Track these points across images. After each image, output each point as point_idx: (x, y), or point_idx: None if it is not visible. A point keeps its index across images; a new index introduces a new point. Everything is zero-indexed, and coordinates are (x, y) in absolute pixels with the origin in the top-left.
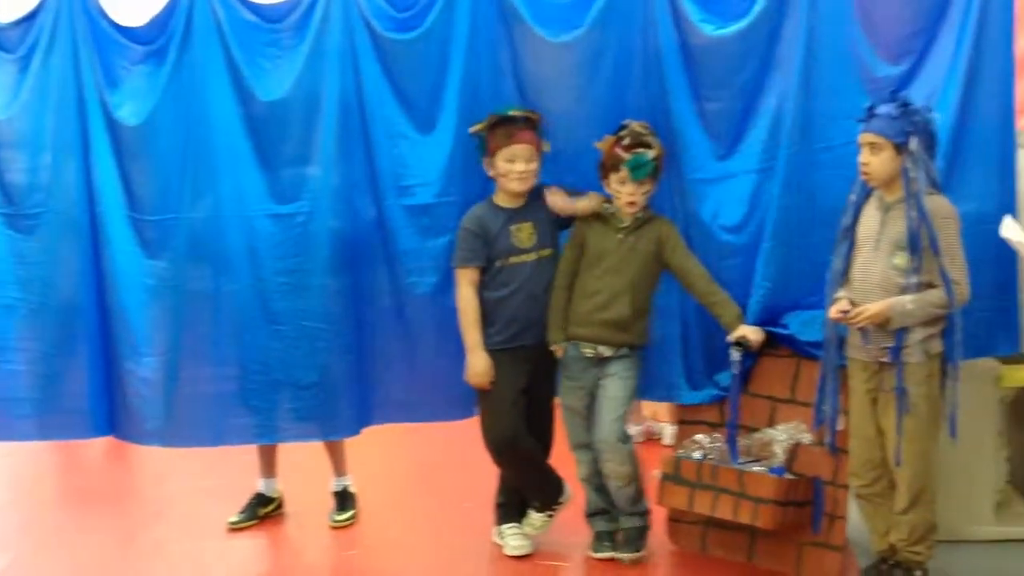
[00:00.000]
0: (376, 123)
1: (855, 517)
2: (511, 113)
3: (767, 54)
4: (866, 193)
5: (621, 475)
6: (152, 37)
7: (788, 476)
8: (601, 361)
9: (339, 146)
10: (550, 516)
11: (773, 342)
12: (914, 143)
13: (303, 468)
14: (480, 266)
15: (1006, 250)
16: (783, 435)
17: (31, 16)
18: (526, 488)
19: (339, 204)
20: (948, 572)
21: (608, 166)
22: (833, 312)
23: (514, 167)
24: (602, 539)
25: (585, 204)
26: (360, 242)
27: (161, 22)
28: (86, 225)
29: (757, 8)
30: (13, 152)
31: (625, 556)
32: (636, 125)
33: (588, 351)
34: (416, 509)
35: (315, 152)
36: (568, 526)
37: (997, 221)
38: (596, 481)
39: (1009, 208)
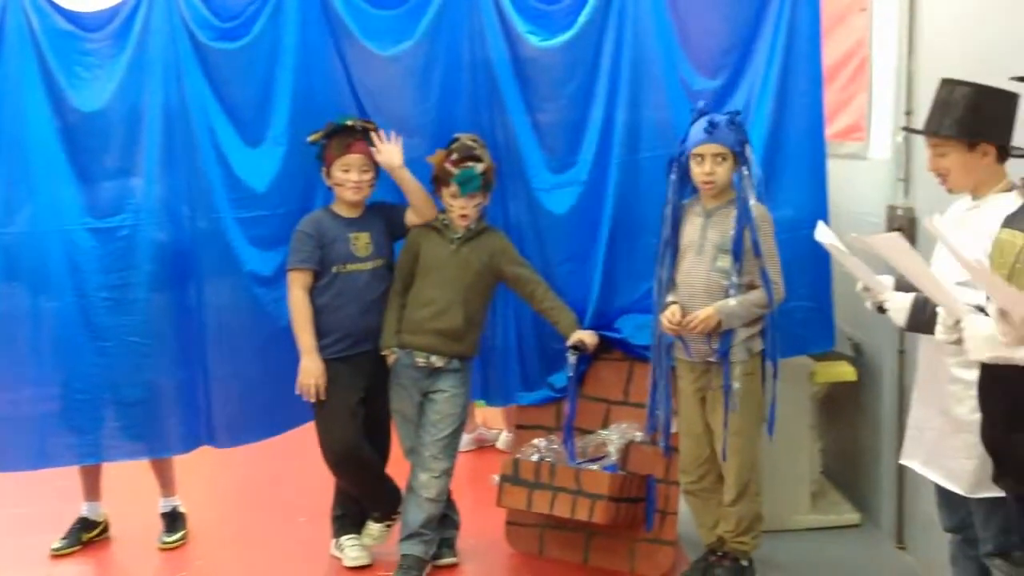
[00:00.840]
0: (202, 134)
1: (685, 513)
2: (347, 123)
3: (593, 65)
4: (683, 201)
5: (432, 488)
6: None
7: (622, 473)
8: (433, 372)
9: (163, 158)
10: (388, 526)
11: (606, 346)
12: (748, 151)
13: (128, 490)
14: (313, 269)
15: (820, 253)
16: (616, 435)
17: None
18: (365, 498)
19: (164, 217)
20: (770, 560)
21: (440, 180)
22: (665, 323)
23: (349, 176)
24: (440, 545)
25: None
26: (188, 255)
27: None
28: None
29: (581, 20)
30: None
31: (447, 560)
32: (466, 138)
33: (420, 360)
34: (249, 526)
35: (138, 164)
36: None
37: (811, 226)
38: None
39: (822, 213)
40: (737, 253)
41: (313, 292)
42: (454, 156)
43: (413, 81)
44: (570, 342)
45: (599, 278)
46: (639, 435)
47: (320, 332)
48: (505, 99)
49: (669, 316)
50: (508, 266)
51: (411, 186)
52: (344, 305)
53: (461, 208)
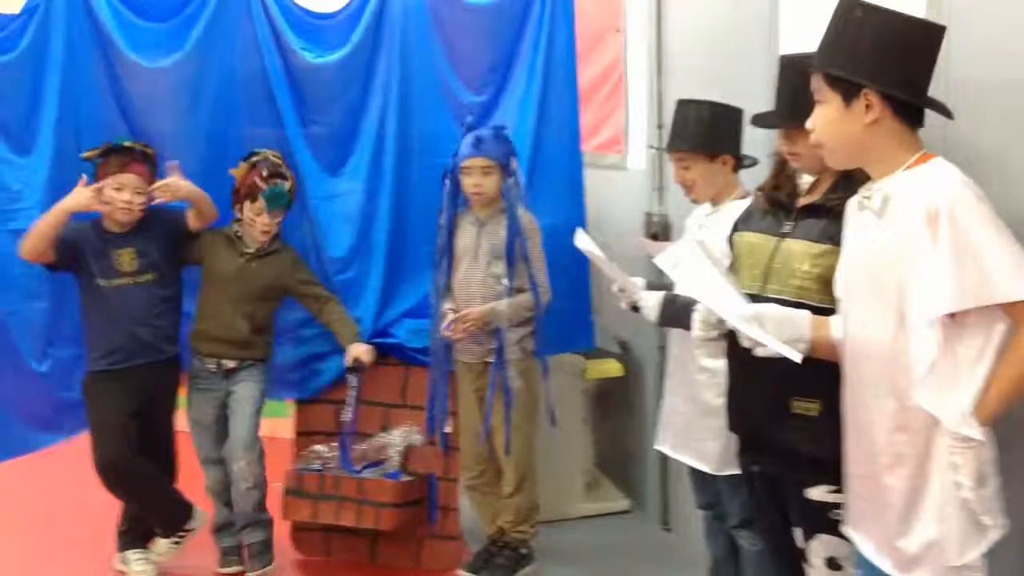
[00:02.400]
0: None
1: (466, 508)
2: (127, 144)
3: (367, 80)
4: (457, 211)
5: (250, 476)
6: None
7: (404, 478)
8: (228, 372)
9: None
10: (177, 542)
11: (382, 352)
12: (514, 163)
13: None
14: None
15: (580, 258)
16: (397, 438)
17: None
18: (147, 513)
19: None
20: (548, 548)
21: (244, 194)
22: (444, 331)
23: (121, 196)
24: (228, 554)
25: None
26: None
27: None
28: None
29: (355, 38)
30: None
31: (259, 571)
32: (270, 155)
33: (212, 365)
34: (29, 545)
35: None
36: (197, 546)
37: (571, 233)
38: (225, 495)
39: (580, 221)
40: (509, 259)
41: (81, 305)
42: (263, 172)
43: (184, 94)
44: (347, 361)
45: (378, 285)
46: (418, 437)
47: (90, 346)
48: (281, 112)
49: (444, 326)
50: (296, 285)
51: (194, 193)
52: (112, 319)
53: (264, 225)
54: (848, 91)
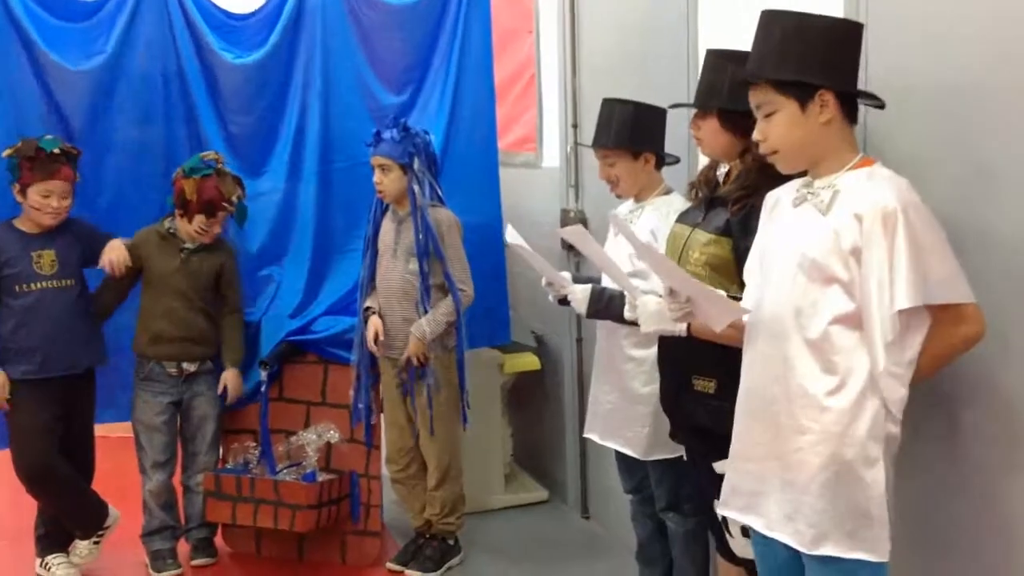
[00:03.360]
0: None
1: (393, 502)
2: (52, 151)
3: (285, 82)
4: (383, 207)
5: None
6: None
7: (321, 478)
8: (188, 377)
9: None
10: (96, 543)
11: (301, 350)
12: (417, 163)
13: None
14: None
15: (495, 254)
16: (315, 436)
17: None
18: (66, 517)
19: None
20: (472, 538)
21: (196, 206)
22: (370, 332)
23: (49, 202)
24: (165, 557)
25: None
26: None
27: None
28: None
29: (273, 39)
30: None
31: (204, 561)
32: (224, 169)
33: (172, 369)
34: None
35: None
36: (121, 548)
37: (487, 230)
38: (166, 497)
39: (497, 218)
40: (424, 257)
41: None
42: (228, 189)
43: (101, 96)
44: (219, 389)
45: (298, 283)
46: (336, 435)
47: (11, 353)
48: (199, 113)
49: (372, 342)
50: (227, 289)
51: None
52: (31, 325)
53: (214, 232)
54: (802, 94)
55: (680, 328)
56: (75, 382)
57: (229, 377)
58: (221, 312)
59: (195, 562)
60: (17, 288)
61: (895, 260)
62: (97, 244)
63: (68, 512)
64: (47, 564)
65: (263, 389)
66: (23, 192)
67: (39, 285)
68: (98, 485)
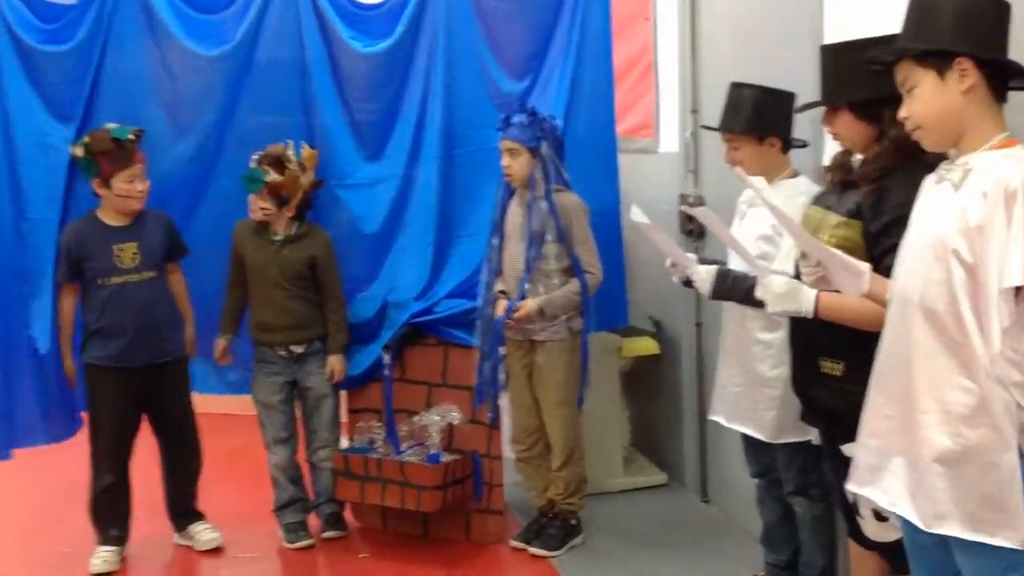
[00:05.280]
0: (25, 134)
1: (511, 483)
2: (130, 137)
3: (408, 69)
4: (509, 192)
5: (330, 459)
6: None
7: (445, 459)
8: (299, 358)
9: None
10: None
11: (422, 332)
12: (544, 147)
13: None
14: (75, 283)
15: (613, 238)
16: (437, 417)
17: None
18: (94, 501)
19: None
20: (592, 520)
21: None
22: (499, 311)
23: (135, 187)
24: (296, 529)
25: None
26: (11, 254)
27: None
28: None
29: (400, 29)
30: None
31: (334, 534)
32: (290, 150)
33: (281, 352)
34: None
35: None
36: (254, 521)
37: (605, 215)
38: (292, 472)
39: (615, 203)
40: (538, 241)
41: (85, 304)
42: (264, 160)
43: (231, 84)
44: (327, 373)
45: (419, 267)
46: (458, 416)
47: (94, 341)
48: (322, 101)
49: (499, 311)
50: (323, 274)
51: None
52: (112, 316)
53: (250, 202)
54: (940, 63)
55: (807, 309)
56: (159, 370)
57: (333, 362)
58: (324, 299)
59: (325, 535)
60: (99, 281)
61: (1013, 236)
62: (176, 240)
63: (98, 498)
64: (188, 533)
65: (386, 372)
66: (106, 184)
67: (120, 279)
68: (229, 461)
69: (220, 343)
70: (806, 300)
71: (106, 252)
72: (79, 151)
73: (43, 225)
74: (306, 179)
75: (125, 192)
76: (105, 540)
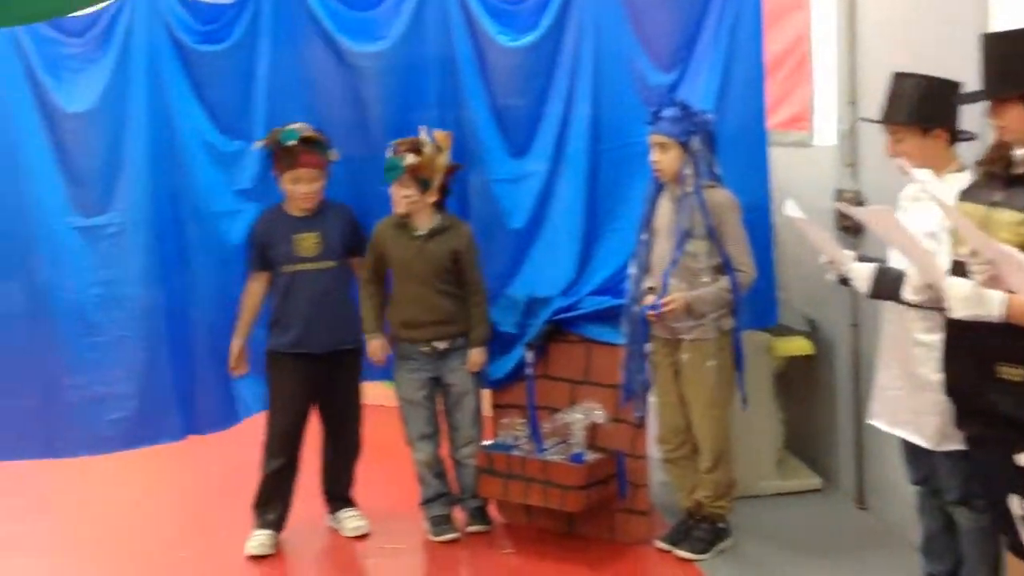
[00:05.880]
0: (186, 133)
1: (657, 483)
2: (290, 142)
3: (554, 63)
4: (659, 187)
5: (475, 458)
6: None
7: (589, 458)
8: (442, 354)
9: (148, 156)
10: (265, 531)
11: (563, 330)
12: (695, 142)
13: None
14: (261, 271)
15: (763, 235)
16: (581, 415)
17: None
18: (262, 489)
19: (150, 214)
20: (741, 523)
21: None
22: (648, 314)
23: (299, 188)
24: (442, 523)
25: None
26: (175, 251)
27: None
28: None
29: (545, 22)
30: None
31: (478, 528)
32: (425, 132)
33: (425, 348)
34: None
35: (123, 162)
36: (402, 516)
37: (754, 211)
38: (437, 467)
39: (765, 198)
40: (700, 237)
41: (272, 293)
42: (400, 148)
43: (383, 81)
44: (469, 366)
45: (562, 264)
46: (601, 415)
47: (275, 329)
48: (469, 96)
49: (647, 303)
50: (464, 269)
51: None
52: (295, 303)
53: (391, 194)
54: None
55: (998, 313)
56: (335, 359)
57: (474, 355)
58: (466, 293)
59: (470, 528)
60: (281, 268)
61: None
62: (358, 237)
63: (266, 481)
64: (337, 518)
65: (528, 370)
66: (280, 180)
67: (299, 266)
68: (380, 453)
69: (375, 343)
70: (994, 303)
71: (288, 240)
72: (260, 143)
73: (228, 218)
74: (443, 159)
75: (289, 192)
76: (263, 524)
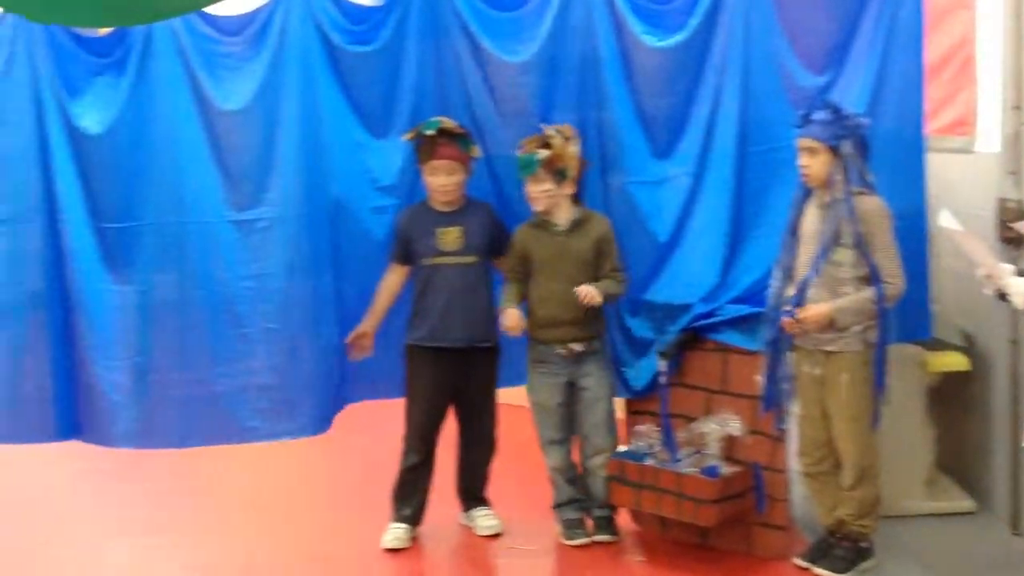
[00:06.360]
0: (334, 131)
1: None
2: (428, 132)
3: (701, 65)
4: (806, 193)
5: (606, 467)
6: (111, 49)
7: (724, 471)
8: (578, 358)
9: (299, 153)
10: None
11: (700, 337)
12: (846, 146)
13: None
14: (401, 263)
15: (917, 244)
16: (716, 426)
17: None
18: (398, 484)
19: (301, 209)
20: (886, 544)
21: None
22: (784, 322)
23: (436, 180)
24: (574, 526)
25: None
26: (323, 245)
27: (120, 33)
28: (49, 233)
29: (693, 22)
30: None
31: (606, 538)
32: (550, 128)
33: (561, 350)
34: (368, 502)
35: (275, 159)
36: (536, 518)
37: (908, 219)
38: (569, 473)
39: (920, 206)
40: (847, 246)
41: (413, 287)
42: (532, 144)
43: (530, 81)
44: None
45: (704, 271)
46: (738, 427)
47: (413, 322)
48: (613, 97)
49: (785, 321)
50: (602, 258)
51: None
52: (434, 296)
53: (529, 192)
54: None
55: None
56: (470, 356)
57: (590, 288)
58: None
59: (596, 538)
60: (422, 261)
61: None
62: (501, 235)
63: (402, 476)
64: (471, 516)
65: (662, 380)
66: (421, 172)
67: (440, 259)
68: (517, 453)
69: (511, 311)
70: None
71: (431, 234)
72: (407, 136)
73: (373, 214)
74: (574, 148)
75: (427, 183)
76: (399, 518)
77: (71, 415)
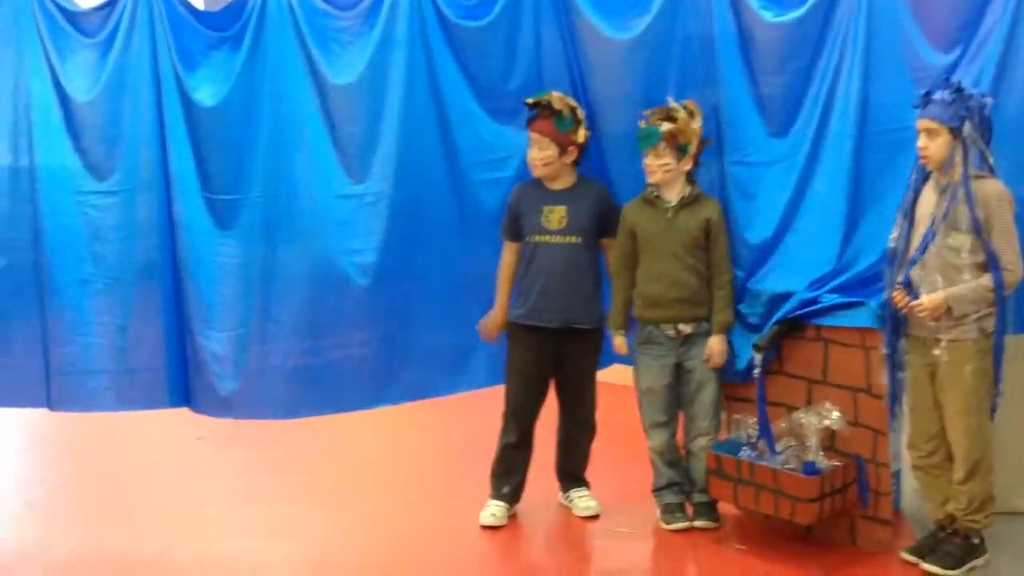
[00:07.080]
0: (448, 105)
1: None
2: (528, 101)
3: (820, 41)
4: (924, 175)
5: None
6: (227, 23)
7: (823, 468)
8: (686, 339)
9: (410, 127)
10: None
11: (801, 325)
12: (968, 128)
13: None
14: (513, 240)
15: None
16: (815, 418)
17: (111, 2)
18: (497, 462)
19: (411, 183)
20: (997, 540)
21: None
22: (897, 299)
23: (529, 152)
24: (674, 511)
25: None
26: (433, 215)
27: (236, 8)
28: (162, 203)
29: None
30: (94, 133)
31: (706, 524)
32: (670, 101)
33: (670, 331)
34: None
35: (385, 133)
36: (633, 499)
37: None
38: (670, 456)
39: None
40: (964, 231)
41: (519, 260)
42: (652, 117)
43: (642, 57)
44: (705, 356)
45: (829, 254)
46: (838, 419)
47: (517, 299)
48: (727, 74)
49: (898, 300)
50: (713, 245)
51: None
52: (534, 274)
53: (646, 165)
54: None
55: None
56: (570, 336)
57: (714, 344)
58: (712, 273)
59: (696, 523)
60: (528, 239)
61: None
62: (611, 216)
63: (500, 454)
64: (569, 497)
65: (756, 372)
66: None
67: (542, 238)
68: (618, 434)
69: (619, 339)
70: None
71: (538, 212)
72: (528, 102)
73: (486, 187)
74: (697, 124)
75: (527, 155)
76: (497, 495)
77: (182, 383)
